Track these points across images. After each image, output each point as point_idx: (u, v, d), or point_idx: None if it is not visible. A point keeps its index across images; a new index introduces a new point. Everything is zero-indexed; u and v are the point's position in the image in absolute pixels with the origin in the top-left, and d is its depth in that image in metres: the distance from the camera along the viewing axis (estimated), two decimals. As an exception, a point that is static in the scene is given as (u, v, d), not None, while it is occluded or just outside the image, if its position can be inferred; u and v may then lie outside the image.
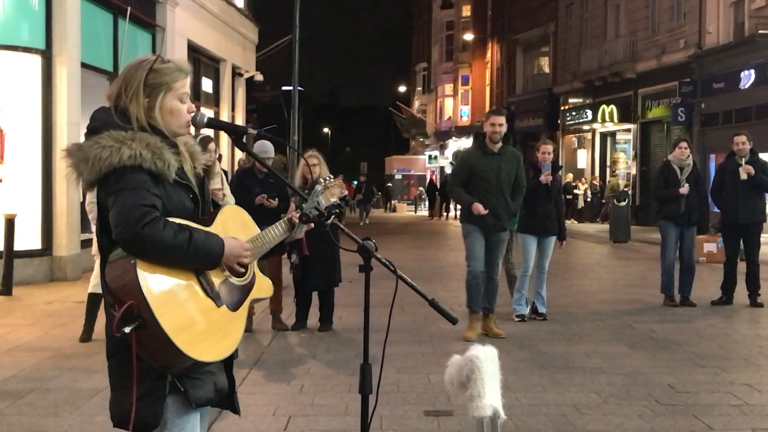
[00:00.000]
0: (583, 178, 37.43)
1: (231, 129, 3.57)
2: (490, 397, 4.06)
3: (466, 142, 54.20)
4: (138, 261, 3.05)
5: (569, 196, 35.94)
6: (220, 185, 8.77)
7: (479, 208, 9.26)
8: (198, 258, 3.14)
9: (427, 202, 50.88)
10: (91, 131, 3.24)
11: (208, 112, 23.30)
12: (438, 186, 48.73)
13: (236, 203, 9.78)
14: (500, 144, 9.54)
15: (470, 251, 9.62)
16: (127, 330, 2.97)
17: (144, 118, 3.27)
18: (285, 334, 9.91)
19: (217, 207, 3.50)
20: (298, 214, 3.50)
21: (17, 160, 14.05)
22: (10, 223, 12.77)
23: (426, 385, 7.39)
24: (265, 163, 3.92)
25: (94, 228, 3.35)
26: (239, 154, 22.38)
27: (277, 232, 3.50)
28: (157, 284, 3.06)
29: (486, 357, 4.09)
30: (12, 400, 6.85)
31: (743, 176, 11.71)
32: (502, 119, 9.54)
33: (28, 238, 14.04)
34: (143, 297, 2.99)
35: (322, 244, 9.25)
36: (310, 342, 9.49)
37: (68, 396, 6.98)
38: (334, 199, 3.65)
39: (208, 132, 9.47)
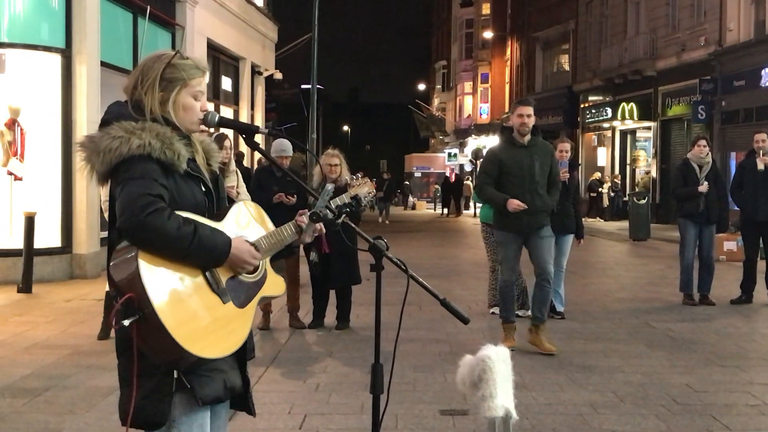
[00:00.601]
0: (606, 176, 37.27)
1: (242, 128, 3.58)
2: (502, 398, 4.05)
3: (485, 140, 54.15)
4: (140, 252, 3.03)
5: (593, 194, 35.81)
6: (235, 183, 8.78)
7: (515, 203, 8.56)
8: (201, 254, 3.12)
9: (442, 201, 50.70)
10: (103, 123, 3.26)
11: (227, 111, 23.47)
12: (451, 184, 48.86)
13: (256, 201, 9.80)
14: (529, 136, 8.84)
15: (502, 258, 9.04)
16: (126, 323, 2.96)
17: (158, 111, 3.29)
18: (302, 332, 9.92)
19: (233, 203, 3.50)
20: (306, 215, 3.50)
21: (37, 158, 14.13)
22: (30, 221, 12.85)
23: (442, 384, 7.38)
24: (275, 162, 3.94)
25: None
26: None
27: (287, 232, 3.49)
28: (159, 277, 3.04)
29: (498, 357, 4.08)
30: (29, 398, 6.89)
31: (760, 166, 11.65)
32: (530, 110, 8.84)
33: (48, 235, 14.13)
34: (144, 290, 2.97)
35: (342, 241, 9.22)
36: (327, 340, 9.50)
37: (85, 393, 7.01)
38: (350, 197, 3.65)
39: (225, 131, 9.50)
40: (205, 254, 3.14)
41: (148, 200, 3.06)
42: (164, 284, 3.05)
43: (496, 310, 11.05)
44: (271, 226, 3.49)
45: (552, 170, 8.94)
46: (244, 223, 3.40)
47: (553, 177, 8.97)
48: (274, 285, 3.47)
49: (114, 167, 3.15)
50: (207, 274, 3.18)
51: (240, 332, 3.27)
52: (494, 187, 8.87)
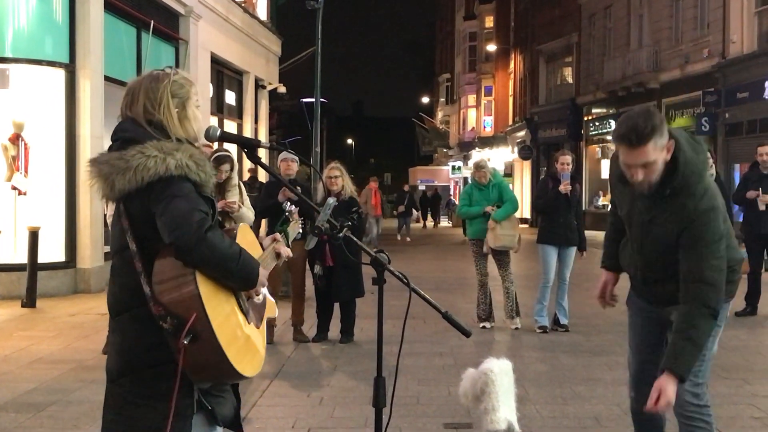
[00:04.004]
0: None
1: (244, 142, 3.59)
2: (505, 411, 4.04)
3: (489, 153, 54.11)
4: (197, 273, 3.01)
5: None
6: (237, 197, 8.75)
7: (603, 295, 5.29)
8: (243, 274, 3.13)
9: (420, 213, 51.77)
10: (128, 141, 3.20)
11: (231, 125, 23.38)
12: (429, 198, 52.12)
13: (265, 210, 9.82)
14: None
15: (629, 344, 5.21)
16: (186, 342, 2.95)
17: (180, 130, 3.29)
18: (306, 346, 9.92)
19: (221, 223, 3.50)
20: (277, 242, 3.54)
21: (41, 173, 14.15)
22: (34, 235, 12.86)
23: (446, 398, 7.36)
24: (276, 175, 3.96)
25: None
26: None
27: (270, 258, 3.54)
28: (212, 296, 3.04)
29: (501, 370, 4.07)
30: (33, 413, 6.88)
31: (762, 207, 11.75)
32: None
33: (52, 250, 14.14)
34: (203, 309, 2.97)
35: (345, 254, 9.18)
36: (332, 354, 9.49)
37: (89, 408, 6.99)
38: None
39: (228, 147, 9.48)
40: (245, 275, 3.15)
41: (202, 216, 3.04)
42: (216, 303, 3.05)
43: (487, 324, 11.06)
44: (260, 250, 3.52)
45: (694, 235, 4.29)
46: (249, 246, 3.41)
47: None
48: (270, 306, 3.53)
49: (146, 185, 3.08)
50: (237, 294, 3.22)
51: (261, 352, 3.32)
52: (618, 237, 5.09)
